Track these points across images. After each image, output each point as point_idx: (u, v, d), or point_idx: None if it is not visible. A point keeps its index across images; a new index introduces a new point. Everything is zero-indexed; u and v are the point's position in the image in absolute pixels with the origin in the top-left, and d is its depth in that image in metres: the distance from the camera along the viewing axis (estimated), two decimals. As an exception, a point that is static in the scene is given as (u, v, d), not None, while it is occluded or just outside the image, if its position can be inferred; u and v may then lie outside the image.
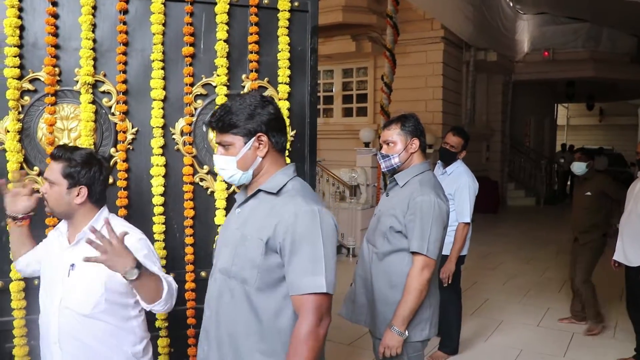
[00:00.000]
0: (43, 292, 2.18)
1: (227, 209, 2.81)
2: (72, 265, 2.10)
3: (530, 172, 16.29)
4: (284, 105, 2.87)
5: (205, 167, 2.79)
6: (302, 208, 1.77)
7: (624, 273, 4.42)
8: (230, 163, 1.86)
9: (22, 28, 2.56)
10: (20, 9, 2.55)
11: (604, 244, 5.18)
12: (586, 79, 15.30)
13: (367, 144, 9.67)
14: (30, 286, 2.59)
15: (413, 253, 2.51)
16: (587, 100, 20.68)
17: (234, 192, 2.85)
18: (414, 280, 2.49)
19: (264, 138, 1.85)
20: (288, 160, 2.29)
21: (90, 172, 2.12)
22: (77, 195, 2.11)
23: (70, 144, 2.61)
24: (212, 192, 2.80)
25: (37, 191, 2.35)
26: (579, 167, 5.17)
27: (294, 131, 2.92)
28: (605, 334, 5.22)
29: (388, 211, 2.64)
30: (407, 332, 2.51)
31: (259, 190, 1.89)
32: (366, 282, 2.72)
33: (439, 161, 4.51)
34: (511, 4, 12.68)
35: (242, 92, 1.95)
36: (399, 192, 2.66)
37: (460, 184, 4.18)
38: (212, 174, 2.80)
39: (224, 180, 2.09)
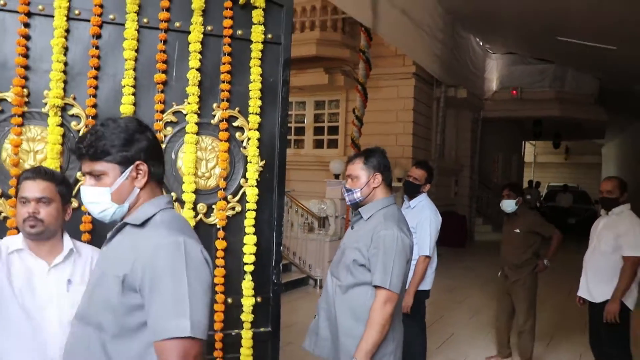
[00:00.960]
0: (23, 317, 2.05)
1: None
2: (69, 280, 2.11)
3: (497, 207, 16.47)
4: (254, 136, 2.89)
5: (172, 194, 2.78)
6: (164, 239, 1.53)
7: (588, 309, 4.48)
8: (103, 195, 1.63)
9: (-9, 49, 2.54)
10: (-9, 30, 2.53)
11: (536, 279, 5.13)
12: (552, 118, 15.73)
13: (337, 176, 9.73)
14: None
15: (376, 287, 2.52)
16: (554, 138, 21.19)
17: (200, 221, 2.85)
18: (377, 313, 2.49)
19: (143, 167, 1.65)
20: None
21: (71, 190, 2.17)
22: (67, 213, 2.17)
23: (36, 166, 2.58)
24: (179, 220, 2.78)
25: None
26: (508, 205, 5.13)
27: (263, 161, 2.94)
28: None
29: (352, 244, 2.66)
30: None
31: (125, 224, 1.66)
32: (330, 314, 2.71)
33: (405, 195, 4.55)
34: (481, 44, 13.04)
35: (116, 118, 1.70)
36: (363, 225, 2.68)
37: (422, 218, 4.22)
38: (180, 201, 2.78)
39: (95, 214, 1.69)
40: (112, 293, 1.53)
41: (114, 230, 1.70)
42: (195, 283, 1.50)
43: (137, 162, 1.64)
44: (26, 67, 2.59)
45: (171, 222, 1.63)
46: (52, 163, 2.56)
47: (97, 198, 1.63)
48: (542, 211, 15.34)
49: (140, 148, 1.64)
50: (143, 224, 1.62)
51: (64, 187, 2.15)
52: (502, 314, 5.36)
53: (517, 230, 5.08)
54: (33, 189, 2.09)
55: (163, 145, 2.77)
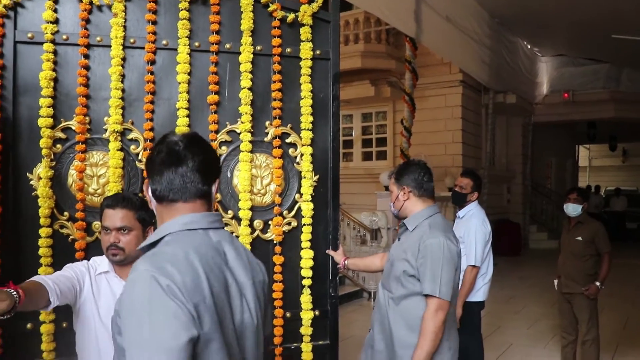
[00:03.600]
0: (106, 336, 2.09)
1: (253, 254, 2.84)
2: None
3: (552, 214, 16.09)
4: (307, 151, 2.93)
5: (229, 212, 2.84)
6: (134, 273, 1.33)
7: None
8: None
9: (55, 80, 2.67)
10: (55, 62, 2.67)
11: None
12: (607, 120, 15.24)
13: (387, 188, 9.68)
14: (59, 329, 2.63)
15: (426, 296, 2.52)
16: (609, 140, 20.53)
17: (257, 237, 2.90)
18: (429, 322, 2.48)
19: (149, 186, 1.53)
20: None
21: (151, 213, 2.18)
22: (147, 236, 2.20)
23: (99, 190, 2.69)
24: (237, 237, 2.84)
25: (67, 236, 2.40)
26: (574, 209, 4.87)
27: (317, 176, 2.97)
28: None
29: (400, 255, 2.66)
30: None
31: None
32: (384, 326, 2.71)
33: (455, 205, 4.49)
34: (529, 47, 12.80)
35: None
36: (409, 236, 2.69)
37: (469, 227, 4.16)
38: (237, 219, 2.84)
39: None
40: (114, 332, 1.36)
41: None
42: (156, 323, 1.25)
43: (146, 180, 1.55)
44: (87, 96, 2.72)
45: (165, 251, 1.40)
46: (114, 186, 2.66)
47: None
48: (603, 218, 14.82)
49: (151, 164, 1.52)
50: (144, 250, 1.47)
51: (143, 212, 2.19)
52: (564, 324, 5.19)
53: (580, 238, 4.89)
54: (114, 218, 2.14)
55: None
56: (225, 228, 2.75)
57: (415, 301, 2.56)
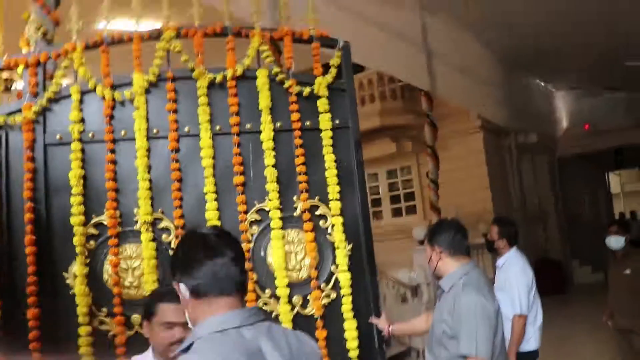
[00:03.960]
0: None
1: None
2: None
3: (592, 246, 15.64)
4: (337, 222, 2.91)
5: (267, 290, 2.81)
6: None
7: None
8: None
9: (84, 177, 2.72)
10: (83, 160, 2.73)
11: None
12: (634, 145, 15.00)
13: (421, 242, 9.55)
14: None
15: (464, 357, 2.44)
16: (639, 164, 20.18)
17: (298, 313, 2.84)
18: None
19: (179, 287, 1.49)
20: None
21: None
22: None
23: (135, 282, 2.69)
24: (277, 316, 2.79)
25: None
26: (617, 242, 4.70)
27: (350, 245, 2.94)
28: None
29: (438, 317, 2.61)
30: None
31: None
32: None
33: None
34: (543, 84, 12.81)
35: None
36: (446, 297, 2.64)
37: (509, 276, 4.06)
38: (275, 297, 2.81)
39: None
40: None
41: None
42: None
43: (175, 284, 1.51)
44: (116, 190, 2.76)
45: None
46: (150, 277, 2.66)
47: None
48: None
49: (176, 268, 1.50)
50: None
51: None
52: None
53: (628, 272, 4.73)
54: (178, 313, 1.97)
55: (250, 245, 2.82)
56: (265, 307, 2.73)
57: None
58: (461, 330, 2.45)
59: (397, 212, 12.62)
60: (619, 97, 13.84)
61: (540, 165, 14.37)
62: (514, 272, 4.08)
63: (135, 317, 2.71)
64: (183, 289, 1.46)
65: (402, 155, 11.95)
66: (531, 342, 4.06)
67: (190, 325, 1.48)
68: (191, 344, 1.39)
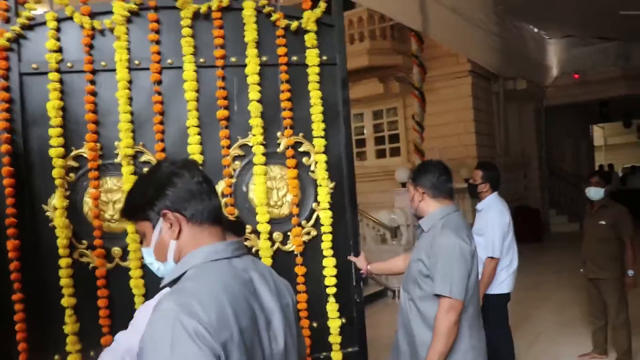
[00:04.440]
0: None
1: (273, 267, 2.80)
2: None
3: (571, 196, 15.91)
4: (321, 159, 2.89)
5: (248, 226, 2.81)
6: (157, 312, 1.27)
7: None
8: (149, 255, 1.47)
9: (64, 109, 2.66)
10: (62, 91, 2.66)
11: (622, 270, 4.77)
12: (620, 98, 15.04)
13: (403, 184, 9.62)
14: (86, 358, 2.64)
15: (438, 296, 2.48)
16: (623, 118, 20.27)
17: (278, 249, 2.86)
18: (441, 323, 2.44)
19: (172, 215, 1.41)
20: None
21: None
22: None
23: (115, 216, 2.68)
24: (257, 251, 2.81)
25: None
26: (596, 193, 4.82)
27: (333, 183, 2.93)
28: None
29: (415, 256, 2.64)
30: None
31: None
32: (407, 328, 2.68)
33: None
34: (536, 31, 12.65)
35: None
36: (424, 237, 2.66)
37: (486, 219, 4.12)
38: (256, 232, 2.81)
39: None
40: None
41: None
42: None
43: (164, 212, 1.42)
44: (96, 122, 2.70)
45: (188, 287, 1.33)
46: (131, 210, 2.64)
47: (147, 259, 1.49)
48: (620, 197, 14.63)
49: (163, 194, 1.42)
50: (171, 284, 1.40)
51: None
52: (593, 309, 5.11)
53: (603, 222, 4.81)
54: None
55: (233, 180, 2.81)
56: (246, 242, 2.75)
57: (433, 302, 2.53)
58: (437, 271, 2.48)
59: (381, 154, 12.66)
60: (610, 47, 13.73)
61: (527, 113, 14.39)
62: (492, 216, 4.13)
63: (116, 250, 2.72)
64: (175, 218, 1.40)
65: (389, 97, 11.89)
66: (503, 286, 4.15)
67: (169, 257, 1.43)
68: (182, 274, 1.37)
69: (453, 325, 2.45)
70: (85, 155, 2.68)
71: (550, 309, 7.08)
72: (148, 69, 2.76)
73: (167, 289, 1.40)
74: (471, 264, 2.55)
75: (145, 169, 2.72)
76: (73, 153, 2.68)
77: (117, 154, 2.71)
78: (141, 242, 1.51)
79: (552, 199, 15.35)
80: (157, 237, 1.44)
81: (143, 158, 2.74)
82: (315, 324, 2.89)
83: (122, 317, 2.66)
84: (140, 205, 1.44)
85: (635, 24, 9.71)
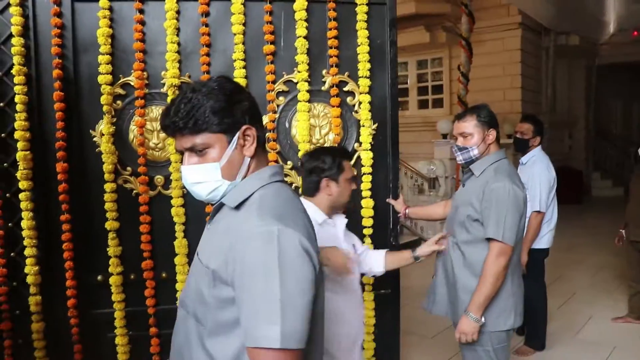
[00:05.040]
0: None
1: (311, 204, 2.85)
2: (354, 245, 2.48)
3: (617, 160, 15.49)
4: (365, 99, 2.87)
5: (289, 162, 2.84)
6: (256, 229, 1.28)
7: None
8: (212, 172, 1.38)
9: (112, 37, 2.68)
10: (111, 19, 2.68)
11: None
12: (679, 59, 14.40)
13: (444, 136, 9.51)
14: (127, 281, 2.74)
15: (489, 240, 2.49)
16: (680, 82, 19.47)
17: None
18: (490, 266, 2.46)
19: (251, 131, 1.40)
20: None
21: None
22: None
23: (160, 144, 2.74)
24: (297, 188, 2.84)
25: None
26: None
27: (376, 124, 2.92)
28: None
29: (465, 200, 2.62)
30: (483, 319, 2.49)
31: (222, 204, 1.43)
32: (447, 272, 2.70)
33: (518, 152, 4.37)
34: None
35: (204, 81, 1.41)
36: (475, 181, 2.63)
37: (533, 173, 4.05)
38: (296, 169, 2.84)
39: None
40: (204, 284, 1.35)
41: (213, 209, 1.48)
42: (290, 283, 1.25)
43: (244, 127, 1.38)
44: (144, 51, 2.73)
45: (268, 204, 1.36)
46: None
47: (205, 177, 1.38)
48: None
49: (244, 109, 1.39)
50: (239, 206, 1.38)
51: None
52: (634, 273, 5.04)
53: None
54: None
55: (276, 115, 2.82)
56: (286, 178, 2.78)
57: (480, 246, 2.54)
58: (490, 215, 2.48)
59: (423, 104, 12.49)
60: (673, 5, 13.07)
61: (577, 71, 13.92)
62: (539, 169, 4.07)
63: (159, 178, 2.78)
64: (253, 135, 1.40)
65: (435, 46, 11.63)
66: (543, 241, 4.13)
67: (239, 176, 1.40)
68: (251, 195, 1.38)
69: (502, 269, 2.47)
70: (132, 83, 2.72)
71: (585, 270, 7.02)
72: (197, 0, 2.75)
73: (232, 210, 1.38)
74: (523, 211, 2.55)
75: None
76: (121, 81, 2.72)
77: (164, 84, 2.74)
78: (195, 156, 1.38)
79: (597, 161, 14.99)
80: (230, 153, 1.38)
81: (189, 89, 2.76)
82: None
83: (162, 243, 2.80)
84: (216, 115, 1.35)
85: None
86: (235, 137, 1.37)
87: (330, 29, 2.84)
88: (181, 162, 1.49)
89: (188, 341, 1.42)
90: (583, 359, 4.31)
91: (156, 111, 2.75)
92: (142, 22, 2.73)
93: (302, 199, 2.24)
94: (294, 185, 2.83)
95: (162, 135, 2.75)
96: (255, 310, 1.24)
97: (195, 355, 1.38)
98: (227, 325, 1.33)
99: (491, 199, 2.48)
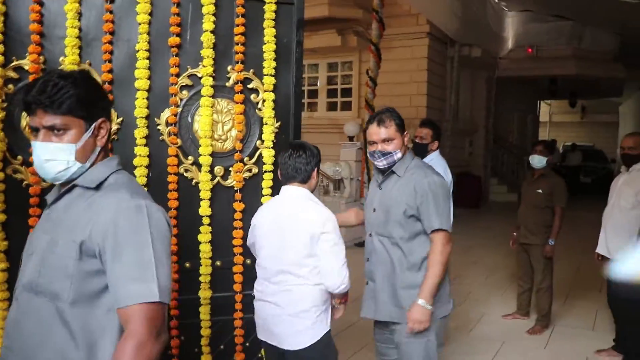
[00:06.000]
0: None
1: (212, 200, 2.83)
2: None
3: (513, 168, 16.43)
4: (269, 97, 2.89)
5: (190, 157, 2.80)
6: (126, 203, 1.50)
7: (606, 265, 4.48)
8: (67, 152, 1.51)
9: (6, 15, 2.53)
10: (5, -4, 2.53)
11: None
12: (569, 77, 15.46)
13: (351, 138, 9.70)
14: (14, 278, 2.60)
15: (434, 231, 2.65)
16: (570, 97, 20.88)
17: (218, 183, 2.87)
18: (439, 255, 2.63)
19: (106, 125, 1.60)
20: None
21: None
22: None
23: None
24: (197, 183, 2.81)
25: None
26: (539, 161, 5.01)
27: (279, 123, 2.95)
28: (585, 326, 5.32)
29: (395, 200, 2.73)
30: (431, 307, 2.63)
31: (74, 186, 1.57)
32: (386, 272, 2.78)
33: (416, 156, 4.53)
34: (496, 1, 12.75)
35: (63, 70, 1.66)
36: (398, 181, 2.76)
37: None
38: (197, 164, 2.81)
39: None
40: (68, 260, 1.46)
41: (60, 192, 1.61)
42: (159, 247, 1.49)
43: (101, 119, 1.58)
44: (41, 34, 2.59)
45: (129, 184, 1.61)
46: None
47: (59, 155, 1.51)
48: (558, 172, 15.22)
49: (104, 104, 1.62)
50: (98, 187, 1.56)
51: None
52: (521, 273, 5.40)
53: (540, 191, 5.03)
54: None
55: (178, 110, 2.78)
56: (186, 174, 2.76)
57: (417, 241, 2.71)
58: (429, 208, 2.64)
59: (332, 107, 12.68)
60: (564, 26, 14.01)
61: (479, 82, 14.63)
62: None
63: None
64: (107, 128, 1.67)
65: (346, 50, 11.85)
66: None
67: (90, 160, 1.63)
68: (106, 178, 1.65)
69: (448, 256, 2.66)
70: (26, 67, 2.57)
71: (480, 271, 7.40)
72: (100, -15, 2.66)
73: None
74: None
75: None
76: (13, 64, 2.57)
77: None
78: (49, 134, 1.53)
79: (494, 168, 15.82)
80: (87, 138, 1.55)
81: (88, 77, 2.66)
82: (248, 261, 2.93)
83: None
84: (81, 102, 1.51)
85: (590, 6, 9.92)
86: (93, 126, 1.55)
87: (238, 25, 2.83)
88: (34, 138, 1.56)
89: (41, 323, 1.48)
90: (475, 354, 4.56)
91: (52, 97, 2.64)
92: (40, 3, 2.58)
93: (291, 185, 2.64)
94: (194, 180, 2.81)
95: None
96: (131, 272, 1.44)
97: (54, 334, 1.47)
98: (91, 296, 1.48)
99: (426, 193, 2.65)
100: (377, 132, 2.76)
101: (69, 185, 1.57)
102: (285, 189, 2.66)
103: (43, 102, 1.47)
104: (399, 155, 2.74)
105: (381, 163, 2.76)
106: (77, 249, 1.46)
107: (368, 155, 2.89)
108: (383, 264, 2.79)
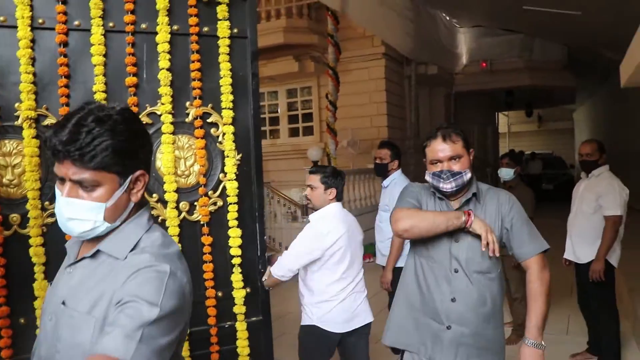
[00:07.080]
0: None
1: (180, 236, 2.83)
2: None
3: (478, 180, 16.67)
4: (228, 130, 2.92)
5: (154, 195, 2.80)
6: (146, 264, 1.28)
7: (574, 270, 4.59)
8: (93, 211, 1.29)
9: (-42, 65, 2.52)
10: (-45, 46, 2.52)
11: None
12: (523, 88, 15.89)
13: (315, 162, 9.77)
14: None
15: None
16: (526, 107, 21.42)
17: (184, 219, 2.87)
18: (544, 280, 2.48)
19: (144, 178, 1.37)
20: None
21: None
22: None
23: (15, 181, 2.59)
24: (163, 220, 2.81)
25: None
26: (506, 173, 5.13)
27: (240, 155, 2.97)
28: (559, 330, 5.39)
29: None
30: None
31: (98, 251, 1.35)
32: (484, 299, 2.50)
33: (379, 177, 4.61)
34: (448, 19, 13.09)
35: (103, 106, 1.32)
36: (477, 208, 2.41)
37: (393, 195, 4.29)
38: (162, 202, 2.81)
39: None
40: (86, 335, 1.26)
41: (83, 255, 1.39)
42: (162, 322, 1.23)
43: (139, 172, 1.34)
44: (-6, 82, 2.58)
45: (157, 247, 1.35)
46: (32, 176, 2.56)
47: (86, 215, 1.29)
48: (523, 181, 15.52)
49: (146, 154, 1.37)
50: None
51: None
52: None
53: None
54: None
55: (140, 148, 2.78)
56: (151, 212, 2.75)
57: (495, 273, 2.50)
58: (522, 231, 2.40)
59: (294, 132, 12.75)
60: (515, 39, 14.48)
61: (437, 98, 14.91)
62: (398, 191, 4.31)
63: (14, 217, 2.61)
64: (144, 181, 1.46)
65: (304, 76, 11.96)
66: (403, 260, 4.36)
67: (120, 219, 1.39)
68: (137, 243, 1.42)
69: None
70: (-19, 116, 2.56)
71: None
72: (53, 29, 2.65)
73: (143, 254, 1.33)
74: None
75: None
76: (-32, 113, 2.56)
77: (18, 117, 2.61)
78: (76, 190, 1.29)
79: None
80: (119, 195, 1.32)
81: (46, 122, 2.65)
82: (220, 294, 2.94)
83: (19, 286, 2.57)
84: (117, 156, 1.26)
85: (537, 19, 10.26)
86: (128, 181, 1.31)
87: (193, 61, 2.87)
88: (55, 182, 1.34)
89: None
90: None
91: (10, 145, 2.61)
92: (-8, 50, 2.59)
93: (333, 204, 3.31)
94: (160, 218, 2.80)
95: (17, 171, 2.61)
96: (124, 333, 1.17)
97: None
98: None
99: (517, 216, 2.36)
100: (443, 148, 2.35)
101: (93, 250, 1.35)
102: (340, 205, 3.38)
103: (72, 154, 1.23)
104: (469, 175, 2.32)
105: (449, 185, 2.31)
106: (97, 325, 1.25)
107: (428, 177, 2.44)
108: (478, 286, 2.47)
